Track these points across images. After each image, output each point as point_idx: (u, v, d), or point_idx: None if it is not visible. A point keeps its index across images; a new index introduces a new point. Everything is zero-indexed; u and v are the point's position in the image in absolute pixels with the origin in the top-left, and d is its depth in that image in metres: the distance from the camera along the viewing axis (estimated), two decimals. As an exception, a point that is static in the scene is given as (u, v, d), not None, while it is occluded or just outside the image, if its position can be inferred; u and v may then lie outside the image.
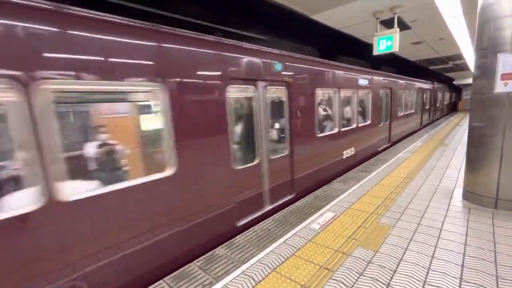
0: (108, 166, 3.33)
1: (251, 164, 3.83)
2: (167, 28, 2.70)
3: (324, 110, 6.00)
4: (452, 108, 26.23)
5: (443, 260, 2.50)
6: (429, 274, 2.31)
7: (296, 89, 4.52)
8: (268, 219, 3.66)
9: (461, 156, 6.55)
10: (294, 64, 4.48)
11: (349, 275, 2.37)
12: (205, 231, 3.16)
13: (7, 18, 1.80)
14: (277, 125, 4.65)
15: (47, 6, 1.96)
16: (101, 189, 2.31)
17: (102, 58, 2.24)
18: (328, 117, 6.07)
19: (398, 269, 2.41)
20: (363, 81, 7.04)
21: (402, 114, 10.39)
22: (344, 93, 6.32)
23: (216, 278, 2.45)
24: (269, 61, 3.98)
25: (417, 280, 2.25)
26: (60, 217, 2.05)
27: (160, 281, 2.45)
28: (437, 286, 2.16)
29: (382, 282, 2.25)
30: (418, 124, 13.02)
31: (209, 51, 3.12)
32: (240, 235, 3.25)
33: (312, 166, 5.15)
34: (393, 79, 9.28)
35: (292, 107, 4.42)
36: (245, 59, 3.58)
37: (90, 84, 2.22)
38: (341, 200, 4.15)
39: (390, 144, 9.28)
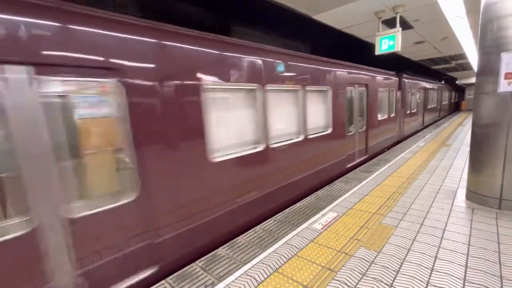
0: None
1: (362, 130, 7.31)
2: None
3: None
4: (455, 108, 27.43)
5: (446, 260, 2.49)
6: (432, 275, 2.29)
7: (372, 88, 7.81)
8: (269, 219, 3.67)
9: (464, 156, 6.51)
10: (372, 73, 7.69)
11: (352, 275, 2.36)
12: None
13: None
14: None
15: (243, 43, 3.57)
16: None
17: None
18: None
19: (401, 270, 2.39)
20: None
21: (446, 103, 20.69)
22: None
23: (218, 278, 2.45)
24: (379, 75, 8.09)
25: (420, 280, 2.24)
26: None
27: (162, 281, 2.46)
28: (440, 287, 2.14)
29: (385, 283, 2.24)
30: (449, 110, 23.11)
31: (353, 71, 6.43)
32: (242, 235, 3.25)
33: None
34: (434, 85, 15.63)
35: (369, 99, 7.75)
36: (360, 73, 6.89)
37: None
38: (343, 201, 4.13)
39: (440, 117, 18.20)
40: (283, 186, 4.36)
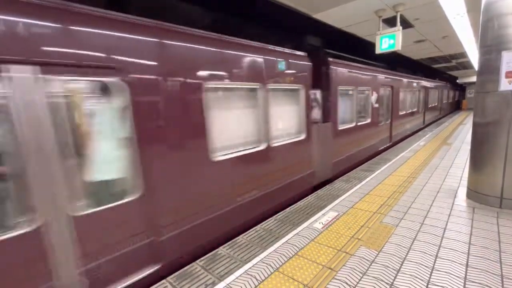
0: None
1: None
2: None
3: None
4: (456, 107, 27.87)
5: (447, 259, 2.48)
6: (433, 274, 2.29)
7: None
8: (270, 218, 3.66)
9: (464, 155, 6.50)
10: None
11: (352, 274, 2.36)
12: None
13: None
14: None
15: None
16: None
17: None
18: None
19: (401, 269, 2.39)
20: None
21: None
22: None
23: (219, 277, 2.46)
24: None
25: (420, 280, 2.23)
26: None
27: (163, 281, 2.46)
28: (441, 286, 2.14)
29: (385, 282, 2.24)
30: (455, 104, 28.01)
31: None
32: (242, 235, 3.25)
33: None
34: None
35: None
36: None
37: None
38: (343, 200, 4.13)
39: (456, 108, 26.85)
40: None
